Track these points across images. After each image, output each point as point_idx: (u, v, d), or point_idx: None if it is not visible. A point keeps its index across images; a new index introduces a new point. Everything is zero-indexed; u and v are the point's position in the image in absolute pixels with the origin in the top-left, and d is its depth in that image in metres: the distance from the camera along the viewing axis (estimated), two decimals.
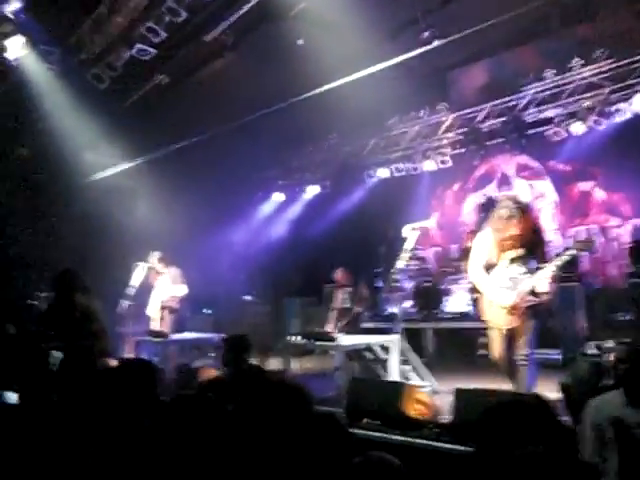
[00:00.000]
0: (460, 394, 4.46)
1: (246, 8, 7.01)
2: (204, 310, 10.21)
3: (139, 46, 6.63)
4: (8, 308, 8.41)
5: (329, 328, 7.55)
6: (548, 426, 1.79)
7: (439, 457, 3.98)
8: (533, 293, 4.55)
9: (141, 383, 2.20)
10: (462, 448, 3.89)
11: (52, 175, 9.18)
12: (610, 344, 6.37)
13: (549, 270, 4.49)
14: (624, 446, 2.90)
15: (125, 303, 7.78)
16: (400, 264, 5.94)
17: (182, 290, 7.70)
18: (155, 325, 7.79)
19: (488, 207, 7.89)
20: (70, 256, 9.02)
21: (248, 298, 11.24)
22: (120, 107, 8.50)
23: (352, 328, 7.32)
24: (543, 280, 4.51)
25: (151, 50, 6.73)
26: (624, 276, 7.86)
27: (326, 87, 8.49)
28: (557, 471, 1.19)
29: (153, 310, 7.89)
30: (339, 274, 7.81)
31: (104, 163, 9.76)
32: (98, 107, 7.93)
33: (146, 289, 8.23)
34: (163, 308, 7.84)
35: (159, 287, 7.82)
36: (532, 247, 4.62)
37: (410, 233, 6.02)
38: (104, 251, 9.43)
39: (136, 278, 7.77)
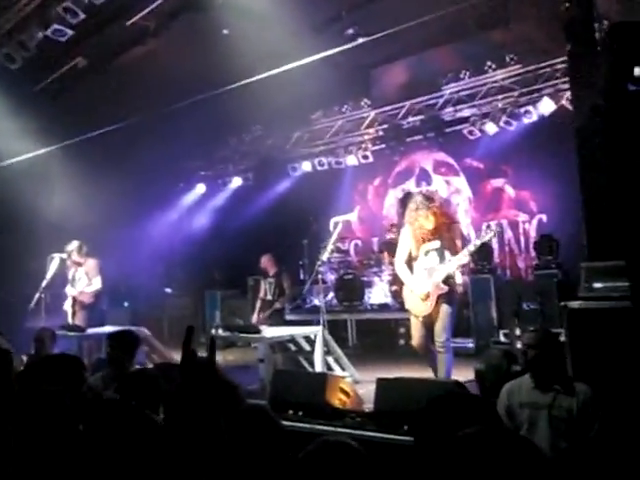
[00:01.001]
0: (381, 383, 4.62)
1: None
2: (124, 303, 9.90)
3: (55, 26, 6.26)
4: None
5: (254, 319, 7.55)
6: (485, 412, 1.89)
7: (363, 446, 4.11)
8: (446, 282, 4.83)
9: (68, 380, 2.11)
10: (385, 436, 4.04)
11: None
12: (517, 332, 6.83)
13: (460, 259, 4.79)
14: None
15: (37, 296, 7.44)
16: (325, 256, 6.04)
17: (95, 285, 7.42)
18: (71, 317, 7.51)
19: (405, 202, 8.21)
20: None
21: (168, 291, 11.03)
22: (33, 89, 8.01)
23: (274, 321, 7.36)
24: (456, 269, 4.83)
25: (68, 31, 6.38)
26: (531, 268, 8.40)
27: (251, 79, 8.44)
28: (502, 446, 1.27)
29: (68, 304, 7.60)
30: (265, 261, 7.81)
31: (14, 149, 9.19)
32: (9, 88, 7.44)
33: (61, 281, 7.90)
34: (75, 302, 7.55)
35: (73, 279, 7.52)
36: (445, 239, 4.91)
37: (336, 226, 6.13)
38: (15, 242, 8.93)
39: (51, 270, 7.46)
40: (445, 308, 4.90)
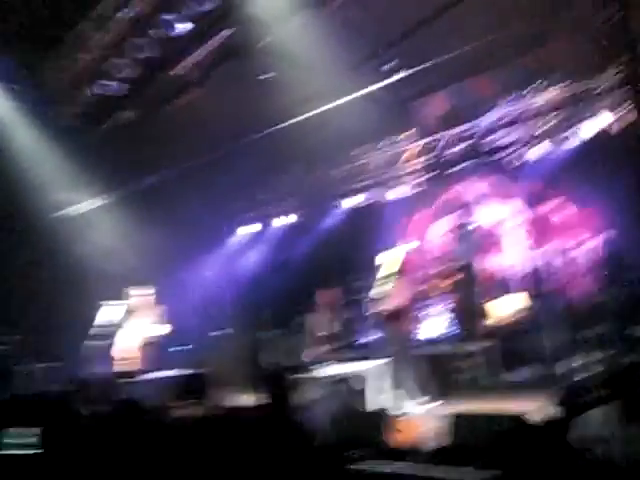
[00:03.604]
0: (446, 418, 4.46)
1: (213, 43, 7.06)
2: (178, 347, 9.97)
3: (105, 82, 6.57)
4: None
5: (309, 356, 7.37)
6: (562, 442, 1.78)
7: None
8: None
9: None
10: (452, 474, 3.86)
11: (16, 213, 8.94)
12: (584, 360, 6.54)
13: None
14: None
15: (94, 343, 7.60)
16: (375, 292, 5.95)
17: (162, 330, 7.61)
18: (131, 364, 7.61)
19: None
20: (35, 296, 8.77)
21: (221, 332, 11.06)
22: (86, 143, 8.38)
23: (334, 357, 7.19)
24: None
25: (117, 86, 6.68)
26: (593, 291, 8.07)
27: (292, 121, 8.60)
28: None
29: (131, 349, 7.71)
30: (321, 295, 7.63)
31: (70, 200, 9.59)
32: (64, 143, 7.80)
33: (117, 328, 8.05)
34: (143, 346, 7.68)
35: (140, 325, 7.67)
36: None
37: (384, 261, 6.08)
38: (68, 292, 9.17)
39: (108, 317, 7.65)
40: None
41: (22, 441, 2.79)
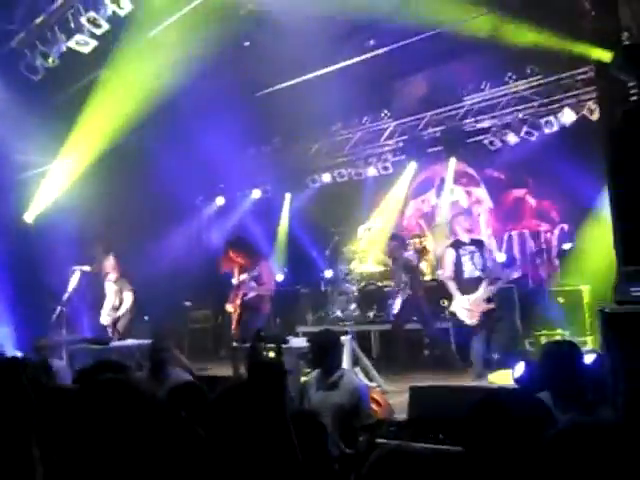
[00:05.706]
0: (414, 391, 4.59)
1: (192, 5, 6.88)
2: (144, 317, 9.88)
3: (78, 37, 6.30)
4: None
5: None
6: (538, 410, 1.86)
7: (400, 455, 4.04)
8: None
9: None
10: (422, 445, 3.98)
11: None
12: (544, 340, 6.81)
13: None
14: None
15: (58, 310, 7.52)
16: (353, 266, 6.01)
17: (129, 298, 7.57)
18: (109, 331, 7.63)
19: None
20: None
21: (187, 304, 11.01)
22: (54, 102, 8.06)
23: None
24: None
25: (91, 42, 6.43)
26: (554, 277, 8.36)
27: (271, 89, 8.52)
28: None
29: (105, 317, 7.67)
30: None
31: (35, 161, 9.27)
32: (31, 101, 7.47)
33: (81, 294, 7.97)
34: (116, 316, 7.65)
35: (110, 294, 7.61)
36: None
37: (363, 234, 6.12)
38: (36, 255, 8.95)
39: (72, 284, 7.56)
40: None
41: None
